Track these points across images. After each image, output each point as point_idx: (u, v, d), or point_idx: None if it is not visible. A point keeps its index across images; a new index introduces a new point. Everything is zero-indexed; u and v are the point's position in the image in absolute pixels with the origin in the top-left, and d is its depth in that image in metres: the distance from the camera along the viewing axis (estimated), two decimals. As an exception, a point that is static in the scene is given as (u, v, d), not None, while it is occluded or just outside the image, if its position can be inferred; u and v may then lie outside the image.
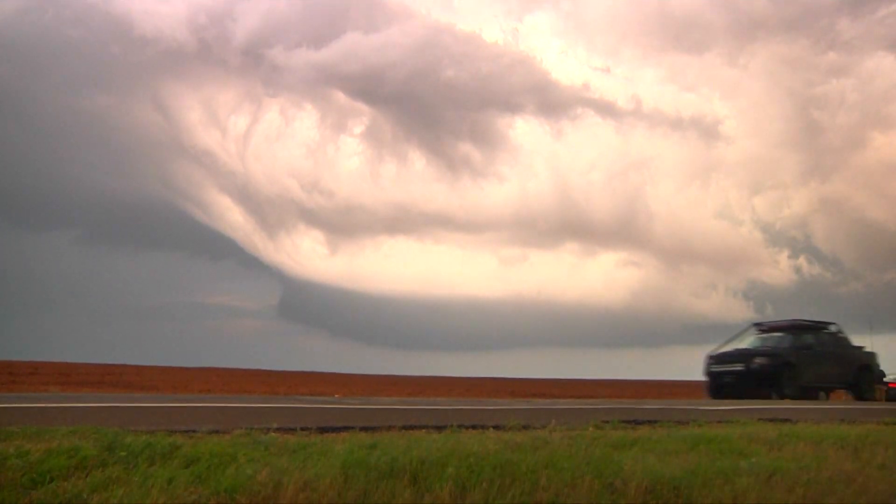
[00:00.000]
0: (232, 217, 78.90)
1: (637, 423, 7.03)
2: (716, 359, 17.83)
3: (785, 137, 68.02)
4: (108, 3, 57.48)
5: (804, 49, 62.01)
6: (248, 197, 73.82)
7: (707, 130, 67.62)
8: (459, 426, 5.90)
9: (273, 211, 74.66)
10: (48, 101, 65.48)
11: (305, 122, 77.88)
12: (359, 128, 75.84)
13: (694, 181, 74.25)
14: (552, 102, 68.32)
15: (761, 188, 76.46)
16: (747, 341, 18.40)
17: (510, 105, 68.63)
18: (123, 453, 3.90)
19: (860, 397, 17.73)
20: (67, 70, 63.18)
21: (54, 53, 60.34)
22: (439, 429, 5.71)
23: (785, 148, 72.14)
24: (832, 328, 18.32)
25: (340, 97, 68.44)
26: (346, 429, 5.41)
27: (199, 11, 57.28)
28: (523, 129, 75.53)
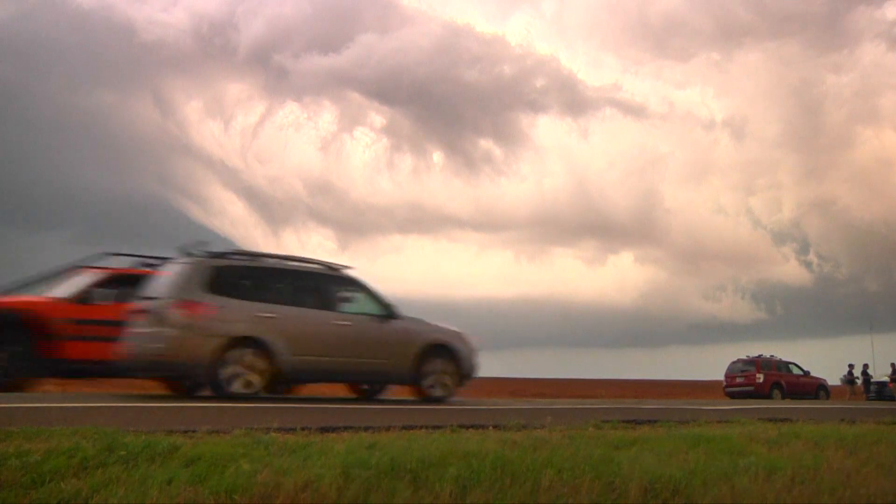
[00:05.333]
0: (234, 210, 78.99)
1: (637, 422, 7.03)
2: None
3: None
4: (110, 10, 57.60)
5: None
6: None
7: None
8: (459, 426, 5.91)
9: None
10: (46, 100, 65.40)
11: (326, 117, 78.60)
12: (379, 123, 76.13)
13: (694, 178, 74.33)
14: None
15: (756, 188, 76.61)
16: None
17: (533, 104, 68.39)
18: (123, 453, 3.90)
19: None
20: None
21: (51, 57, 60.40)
22: (439, 428, 5.71)
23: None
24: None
25: (357, 98, 68.68)
26: (346, 428, 5.41)
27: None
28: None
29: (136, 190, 79.73)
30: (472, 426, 5.98)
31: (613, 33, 71.68)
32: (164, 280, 8.46)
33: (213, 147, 74.62)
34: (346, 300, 9.16)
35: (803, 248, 71.29)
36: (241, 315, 8.10)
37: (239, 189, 78.67)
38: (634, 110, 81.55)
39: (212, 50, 62.81)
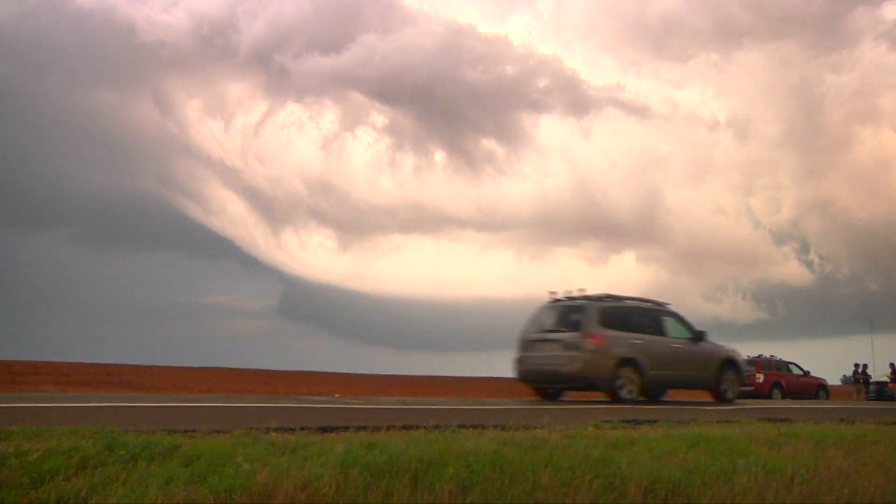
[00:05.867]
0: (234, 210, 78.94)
1: (637, 422, 7.03)
2: None
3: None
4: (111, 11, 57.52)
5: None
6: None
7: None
8: (459, 426, 5.90)
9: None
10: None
11: (327, 116, 79.02)
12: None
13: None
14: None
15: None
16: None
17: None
18: (123, 453, 3.91)
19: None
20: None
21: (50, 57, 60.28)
22: (439, 428, 5.71)
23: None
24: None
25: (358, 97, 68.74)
26: (345, 428, 5.41)
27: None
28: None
29: (136, 189, 79.77)
30: (471, 426, 5.98)
31: (611, 34, 71.80)
32: (562, 317, 11.31)
33: (214, 147, 74.83)
34: (668, 327, 11.93)
35: (803, 248, 71.46)
36: (624, 342, 11.03)
37: (239, 188, 78.92)
38: (637, 110, 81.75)
39: (212, 50, 63.03)
